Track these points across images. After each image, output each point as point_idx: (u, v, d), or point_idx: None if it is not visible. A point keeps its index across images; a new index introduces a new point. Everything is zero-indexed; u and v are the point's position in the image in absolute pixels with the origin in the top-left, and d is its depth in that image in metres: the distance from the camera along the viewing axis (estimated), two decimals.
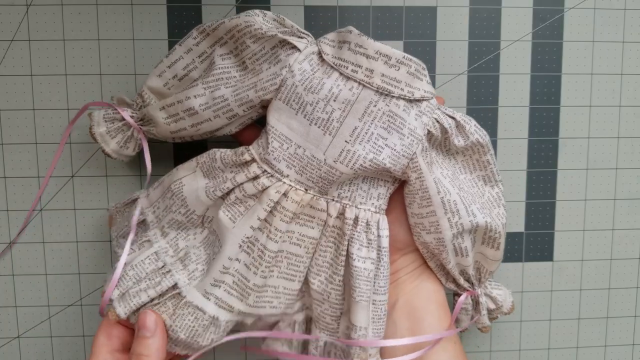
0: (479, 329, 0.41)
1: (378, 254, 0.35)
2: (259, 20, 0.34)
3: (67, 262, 0.43)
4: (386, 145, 0.33)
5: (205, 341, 0.34)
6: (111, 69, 0.41)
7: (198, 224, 0.36)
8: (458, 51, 0.43)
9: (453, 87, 0.43)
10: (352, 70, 0.33)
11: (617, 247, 0.46)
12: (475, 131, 0.35)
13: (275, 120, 0.33)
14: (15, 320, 0.43)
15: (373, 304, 0.35)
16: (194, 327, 0.33)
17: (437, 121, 0.34)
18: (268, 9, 0.41)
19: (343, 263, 0.34)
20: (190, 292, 0.34)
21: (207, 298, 0.33)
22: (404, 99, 0.33)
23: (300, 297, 0.37)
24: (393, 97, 0.33)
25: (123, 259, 0.35)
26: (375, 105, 0.33)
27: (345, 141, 0.33)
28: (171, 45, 0.41)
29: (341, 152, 0.33)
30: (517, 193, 0.44)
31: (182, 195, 0.35)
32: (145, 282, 0.34)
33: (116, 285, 0.34)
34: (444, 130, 0.34)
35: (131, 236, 0.36)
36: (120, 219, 0.38)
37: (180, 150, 0.42)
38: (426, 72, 0.34)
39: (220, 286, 0.34)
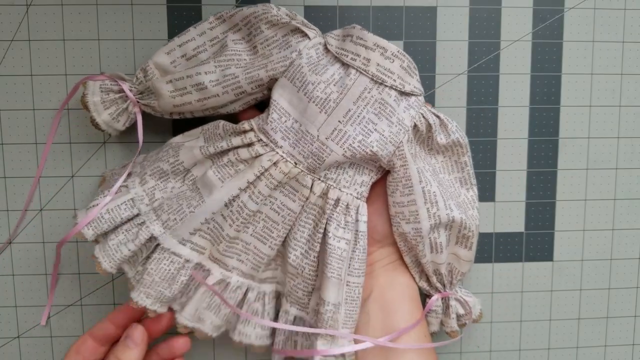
0: (447, 333, 0.41)
1: (355, 236, 0.37)
2: (274, 10, 0.37)
3: (67, 262, 0.43)
4: (375, 129, 0.36)
5: (176, 285, 0.36)
6: (111, 69, 0.41)
7: (179, 178, 0.37)
8: (458, 51, 0.43)
9: (453, 87, 0.43)
10: (352, 58, 0.36)
11: (617, 247, 0.46)
12: (457, 130, 0.38)
13: (279, 95, 0.36)
14: (15, 320, 0.43)
15: (347, 285, 0.37)
16: (169, 270, 0.36)
17: (423, 117, 0.37)
18: None
19: (320, 240, 0.36)
20: (166, 239, 0.36)
21: (183, 244, 0.36)
22: (395, 89, 0.36)
23: (272, 267, 0.39)
24: (386, 86, 0.36)
25: (105, 200, 0.36)
26: (369, 92, 0.35)
27: (339, 121, 0.35)
28: None
29: (333, 130, 0.35)
30: (517, 193, 0.44)
31: (177, 148, 0.37)
32: (123, 234, 0.36)
33: (90, 224, 0.35)
34: (428, 126, 0.37)
35: (118, 183, 0.37)
36: (111, 180, 0.39)
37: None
38: (417, 72, 0.37)
39: (196, 233, 0.36)
